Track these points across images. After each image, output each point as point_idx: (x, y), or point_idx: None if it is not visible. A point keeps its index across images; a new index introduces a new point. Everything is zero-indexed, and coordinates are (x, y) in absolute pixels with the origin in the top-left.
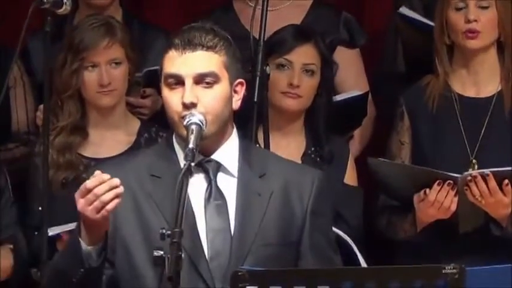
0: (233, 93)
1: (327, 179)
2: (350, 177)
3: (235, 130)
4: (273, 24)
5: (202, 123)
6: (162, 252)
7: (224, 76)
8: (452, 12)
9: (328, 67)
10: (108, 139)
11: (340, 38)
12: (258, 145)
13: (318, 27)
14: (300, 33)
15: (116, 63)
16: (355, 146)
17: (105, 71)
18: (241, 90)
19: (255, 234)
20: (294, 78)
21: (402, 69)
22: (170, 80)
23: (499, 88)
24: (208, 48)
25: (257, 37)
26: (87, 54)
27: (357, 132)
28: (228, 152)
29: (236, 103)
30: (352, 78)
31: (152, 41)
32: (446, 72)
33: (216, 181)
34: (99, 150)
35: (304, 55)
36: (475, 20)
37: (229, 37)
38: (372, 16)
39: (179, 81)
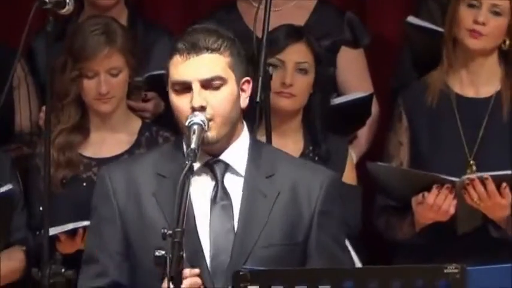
0: (241, 91)
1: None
2: (349, 176)
3: (245, 128)
4: (277, 24)
5: (204, 124)
6: (163, 252)
7: (230, 77)
8: (464, 7)
9: (322, 65)
10: (109, 139)
11: (344, 38)
12: None
13: (322, 28)
14: (291, 32)
15: (115, 72)
16: (359, 146)
17: (104, 80)
18: (249, 88)
19: (258, 235)
20: (287, 77)
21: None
22: (177, 87)
23: (498, 89)
24: (213, 50)
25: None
26: (86, 63)
27: (361, 133)
28: (237, 152)
29: (244, 101)
30: (355, 78)
31: (155, 42)
32: (450, 65)
33: (223, 182)
34: (100, 151)
35: (296, 54)
36: (484, 24)
37: (232, 36)
38: (375, 18)
39: (186, 86)
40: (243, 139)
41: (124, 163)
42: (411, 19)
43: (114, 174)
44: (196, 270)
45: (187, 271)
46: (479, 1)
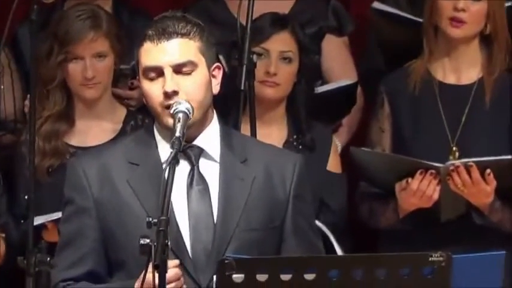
0: (211, 77)
1: (309, 166)
2: (333, 165)
3: (215, 115)
4: (262, 12)
5: (189, 111)
6: (148, 240)
7: (201, 62)
8: None
9: (306, 54)
10: (94, 128)
11: (329, 25)
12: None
13: (307, 15)
14: (276, 21)
15: (101, 56)
16: (343, 134)
17: (89, 64)
18: (219, 74)
19: (238, 219)
20: (271, 66)
21: (381, 67)
22: (149, 73)
23: (480, 75)
24: (183, 35)
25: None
26: (72, 47)
27: (345, 121)
28: (210, 138)
29: (215, 87)
30: (340, 66)
31: (140, 29)
32: (431, 53)
33: (198, 166)
34: (85, 139)
35: (280, 43)
36: (463, 10)
37: (201, 23)
38: (358, 7)
39: (158, 72)
40: (214, 125)
41: (95, 152)
42: (377, 5)
43: (86, 165)
44: (176, 261)
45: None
46: None
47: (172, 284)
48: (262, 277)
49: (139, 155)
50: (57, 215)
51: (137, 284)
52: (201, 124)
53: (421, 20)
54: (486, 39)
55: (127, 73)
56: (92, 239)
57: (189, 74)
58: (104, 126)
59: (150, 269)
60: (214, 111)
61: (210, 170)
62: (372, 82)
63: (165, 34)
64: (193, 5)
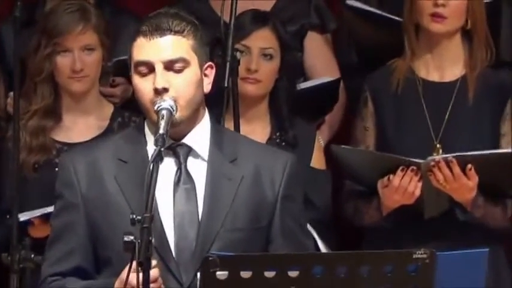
0: (203, 76)
1: (298, 163)
2: (317, 161)
3: (207, 113)
4: (244, 9)
5: (172, 109)
6: (132, 237)
7: (193, 60)
8: None
9: (288, 51)
10: (81, 124)
11: (311, 22)
12: None
13: (289, 12)
14: (257, 18)
15: (89, 49)
16: (325, 131)
17: (78, 57)
18: (211, 74)
19: (223, 219)
20: (252, 63)
21: (353, 65)
22: (141, 68)
23: (463, 72)
24: (176, 32)
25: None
26: (60, 39)
27: (327, 118)
28: (199, 136)
29: (207, 86)
30: (322, 63)
31: (123, 27)
32: (413, 52)
33: (186, 165)
34: (71, 135)
35: (261, 39)
36: (443, 5)
37: (195, 21)
38: (341, 4)
39: (150, 68)
40: (205, 124)
41: (85, 149)
42: (351, 2)
43: (76, 161)
44: (153, 262)
45: None
46: None
47: (151, 285)
48: (246, 274)
49: (128, 152)
50: (43, 210)
51: (119, 281)
52: (190, 122)
53: (394, 17)
54: (468, 35)
55: (108, 70)
56: (79, 235)
57: (180, 71)
58: (90, 122)
59: (133, 266)
60: (206, 109)
61: (198, 169)
62: (346, 79)
63: (158, 30)
64: (177, 3)
